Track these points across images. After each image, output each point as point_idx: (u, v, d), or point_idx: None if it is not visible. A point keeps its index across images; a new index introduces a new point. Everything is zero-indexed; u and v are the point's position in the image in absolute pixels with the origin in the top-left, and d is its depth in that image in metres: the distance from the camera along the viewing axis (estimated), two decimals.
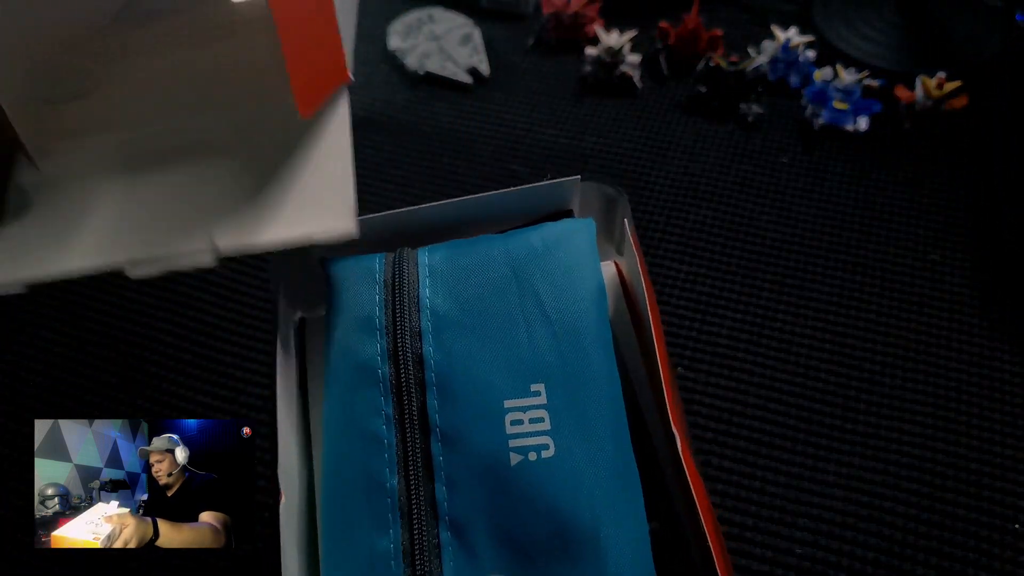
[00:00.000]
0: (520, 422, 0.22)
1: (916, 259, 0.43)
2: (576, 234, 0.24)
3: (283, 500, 0.21)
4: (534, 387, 0.22)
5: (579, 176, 0.25)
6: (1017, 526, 0.34)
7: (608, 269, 0.26)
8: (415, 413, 0.22)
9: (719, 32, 0.53)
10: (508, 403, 0.22)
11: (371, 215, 0.25)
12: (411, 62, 0.54)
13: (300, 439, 0.24)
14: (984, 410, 0.37)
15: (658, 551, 0.21)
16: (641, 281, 0.24)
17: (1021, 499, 0.34)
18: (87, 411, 0.38)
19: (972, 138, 0.49)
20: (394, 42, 0.55)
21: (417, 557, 0.21)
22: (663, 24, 0.54)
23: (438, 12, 0.58)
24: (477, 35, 0.56)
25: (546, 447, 0.21)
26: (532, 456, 0.21)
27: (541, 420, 0.22)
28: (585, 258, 0.24)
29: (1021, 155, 0.43)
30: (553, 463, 0.21)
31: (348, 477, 0.22)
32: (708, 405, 0.37)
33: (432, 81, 0.54)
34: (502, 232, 0.25)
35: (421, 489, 0.21)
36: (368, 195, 0.47)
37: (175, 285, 0.42)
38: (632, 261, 0.24)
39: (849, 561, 0.33)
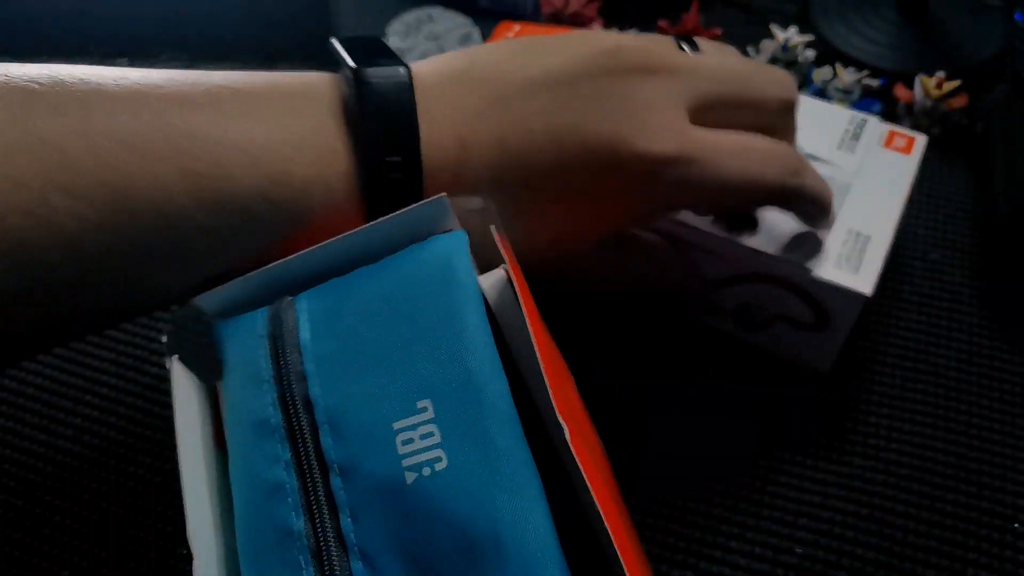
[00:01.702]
0: (411, 440, 0.22)
1: (916, 258, 0.43)
2: (445, 248, 0.25)
3: (196, 562, 0.22)
4: (420, 404, 0.22)
5: (444, 193, 0.25)
6: (1017, 526, 0.33)
7: (497, 274, 0.26)
8: (311, 454, 0.23)
9: (718, 31, 0.53)
10: (397, 424, 0.22)
11: (249, 274, 0.26)
12: (410, 62, 0.54)
13: (221, 500, 0.25)
14: (984, 409, 0.37)
15: (569, 545, 0.21)
16: (515, 284, 0.24)
17: (1021, 499, 0.34)
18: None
19: (971, 137, 0.49)
20: (393, 42, 0.55)
21: None
22: (662, 24, 0.54)
23: (437, 12, 0.58)
24: (476, 35, 0.56)
25: (439, 460, 0.22)
26: (426, 471, 0.22)
27: (431, 435, 0.22)
28: (457, 270, 0.24)
29: (1020, 155, 0.43)
30: (447, 475, 0.21)
31: (259, 529, 0.23)
32: (707, 403, 0.37)
33: None
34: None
35: (328, 526, 0.22)
36: None
37: None
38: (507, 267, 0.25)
39: (849, 561, 0.33)
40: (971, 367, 0.39)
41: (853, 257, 0.34)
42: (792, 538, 0.33)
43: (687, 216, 0.36)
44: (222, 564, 0.23)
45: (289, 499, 0.22)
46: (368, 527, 0.22)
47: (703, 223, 0.36)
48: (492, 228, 0.26)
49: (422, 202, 0.26)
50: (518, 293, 0.24)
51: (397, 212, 0.26)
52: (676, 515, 0.34)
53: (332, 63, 0.29)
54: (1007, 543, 0.33)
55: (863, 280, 0.34)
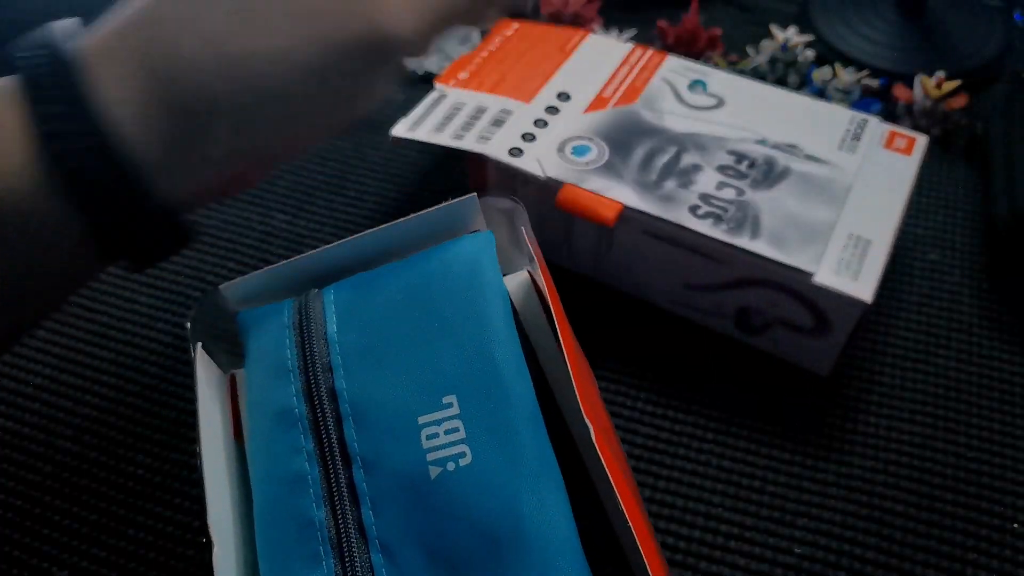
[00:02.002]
0: (436, 435, 0.22)
1: (915, 259, 0.43)
2: (472, 248, 0.25)
3: (216, 550, 0.22)
4: (446, 399, 0.22)
5: (475, 194, 0.26)
6: (1016, 525, 0.34)
7: (520, 277, 0.27)
8: (335, 445, 0.23)
9: (718, 31, 0.53)
10: (422, 419, 0.22)
11: (275, 264, 0.26)
12: (410, 62, 0.54)
13: (238, 489, 0.25)
14: (983, 409, 0.37)
15: (590, 545, 0.21)
16: (544, 286, 0.24)
17: (1020, 499, 0.34)
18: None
19: (971, 137, 0.49)
20: None
21: None
22: (662, 24, 0.54)
23: None
24: (476, 35, 0.56)
25: (463, 455, 0.22)
26: (451, 466, 0.22)
27: (456, 430, 0.22)
28: (484, 270, 0.24)
29: (1019, 155, 0.44)
30: (471, 470, 0.22)
31: (279, 519, 0.23)
32: (708, 405, 0.37)
33: (431, 81, 0.54)
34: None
35: (349, 517, 0.22)
36: (368, 195, 0.47)
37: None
38: (536, 267, 0.25)
39: (848, 561, 0.33)
40: (970, 367, 0.39)
41: (853, 263, 0.34)
42: (791, 538, 0.33)
43: (686, 220, 0.36)
44: (240, 553, 0.23)
45: (310, 490, 0.22)
46: (390, 520, 0.22)
47: (703, 226, 0.36)
48: (523, 229, 0.26)
49: (451, 201, 0.26)
50: (546, 295, 0.24)
51: (426, 211, 0.26)
52: (676, 515, 0.34)
53: None
54: (1006, 543, 0.33)
55: (863, 287, 0.34)
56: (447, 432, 0.22)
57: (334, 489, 0.22)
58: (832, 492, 0.35)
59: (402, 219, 0.26)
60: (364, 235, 0.26)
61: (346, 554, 0.21)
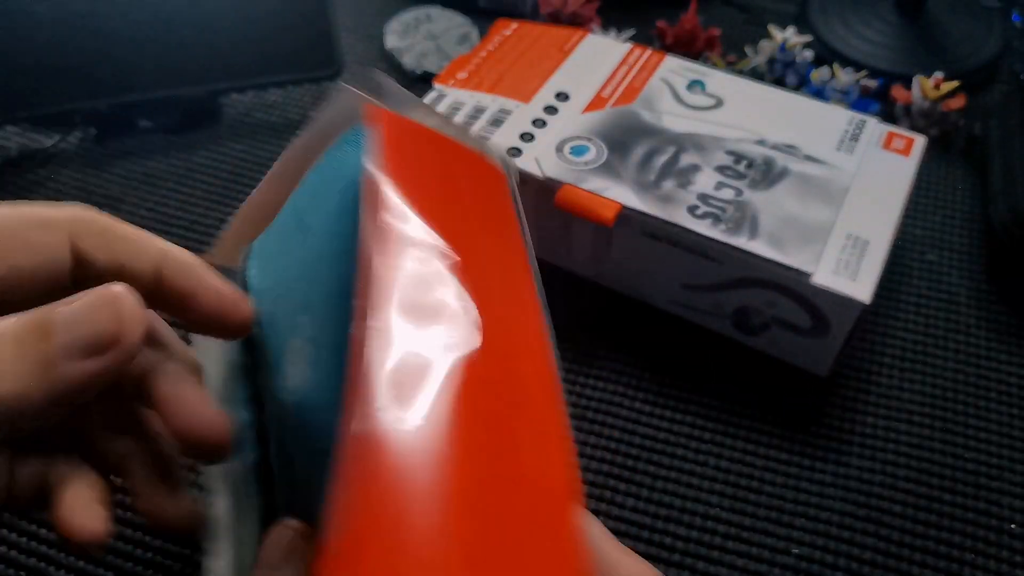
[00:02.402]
0: (296, 362, 0.22)
1: (913, 259, 0.43)
2: (340, 150, 0.24)
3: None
4: (302, 319, 0.22)
5: (335, 81, 0.23)
6: (1013, 526, 0.34)
7: None
8: (256, 391, 0.24)
9: (716, 32, 0.53)
10: (288, 345, 0.23)
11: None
12: (408, 61, 0.54)
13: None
14: (981, 410, 0.37)
15: None
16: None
17: (1018, 500, 0.34)
18: None
19: (969, 138, 0.49)
20: (391, 41, 0.55)
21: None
22: (661, 24, 0.54)
23: (436, 11, 0.58)
24: (475, 35, 0.56)
25: (308, 378, 0.22)
26: (300, 391, 0.22)
27: (305, 351, 0.22)
28: (353, 171, 0.22)
29: (1017, 156, 0.44)
30: (313, 392, 0.21)
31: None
32: (706, 405, 0.37)
33: (429, 80, 0.54)
34: None
35: (261, 459, 0.24)
36: None
37: None
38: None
39: (846, 561, 0.33)
40: (968, 368, 0.39)
41: (851, 263, 0.34)
42: (789, 538, 0.33)
43: (685, 220, 0.36)
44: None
45: (246, 436, 0.24)
46: (273, 454, 0.23)
47: (701, 226, 0.36)
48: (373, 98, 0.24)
49: (330, 101, 0.24)
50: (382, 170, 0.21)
51: (309, 124, 0.25)
52: (673, 515, 0.34)
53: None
54: (1004, 544, 0.33)
55: (861, 287, 0.34)
56: (301, 356, 0.22)
57: (259, 435, 0.24)
58: (830, 492, 0.35)
59: (293, 142, 0.25)
60: (271, 173, 0.26)
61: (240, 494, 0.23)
